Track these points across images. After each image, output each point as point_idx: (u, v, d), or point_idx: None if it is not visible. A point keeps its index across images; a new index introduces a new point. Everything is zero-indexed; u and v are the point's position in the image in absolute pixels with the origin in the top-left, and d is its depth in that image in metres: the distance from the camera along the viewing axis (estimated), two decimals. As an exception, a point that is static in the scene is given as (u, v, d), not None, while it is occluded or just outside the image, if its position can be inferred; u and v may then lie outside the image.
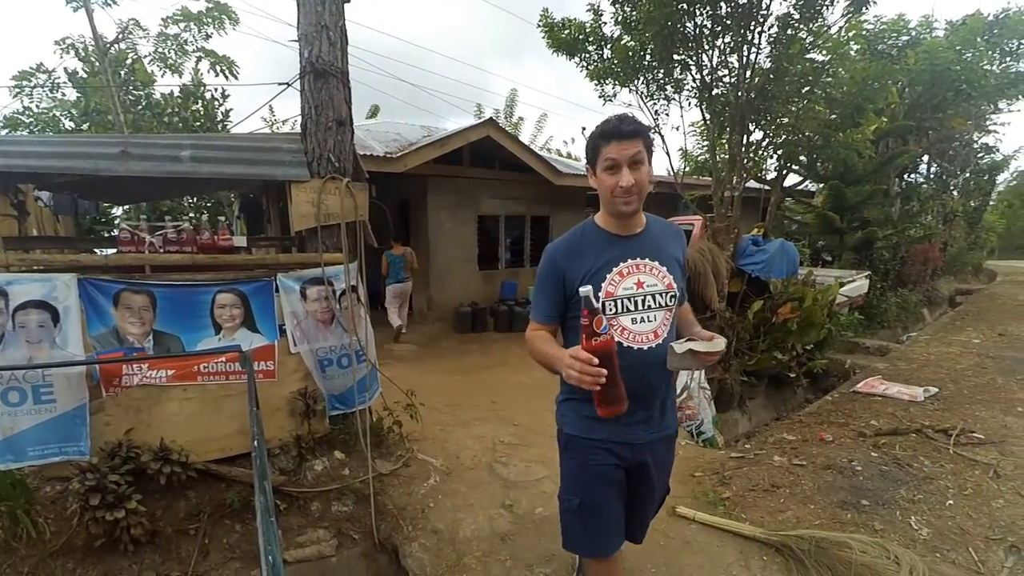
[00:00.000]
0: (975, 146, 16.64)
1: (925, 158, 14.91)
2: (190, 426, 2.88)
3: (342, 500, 3.08)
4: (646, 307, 1.58)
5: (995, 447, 3.90)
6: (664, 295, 1.60)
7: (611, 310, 1.56)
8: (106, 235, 9.30)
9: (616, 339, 1.52)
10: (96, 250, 3.65)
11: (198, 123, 10.81)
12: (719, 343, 1.56)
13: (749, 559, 2.70)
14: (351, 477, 3.20)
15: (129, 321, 2.77)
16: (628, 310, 1.57)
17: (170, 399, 2.86)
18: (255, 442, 1.83)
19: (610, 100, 7.62)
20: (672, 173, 7.81)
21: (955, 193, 17.68)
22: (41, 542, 2.42)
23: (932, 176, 16.19)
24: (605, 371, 1.30)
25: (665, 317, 1.62)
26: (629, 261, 1.59)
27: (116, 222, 10.28)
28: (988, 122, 14.80)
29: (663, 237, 1.67)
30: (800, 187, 11.89)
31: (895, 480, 3.44)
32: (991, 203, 23.36)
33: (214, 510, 2.78)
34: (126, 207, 8.86)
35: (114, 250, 3.09)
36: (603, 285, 1.56)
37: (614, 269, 1.58)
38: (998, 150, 17.94)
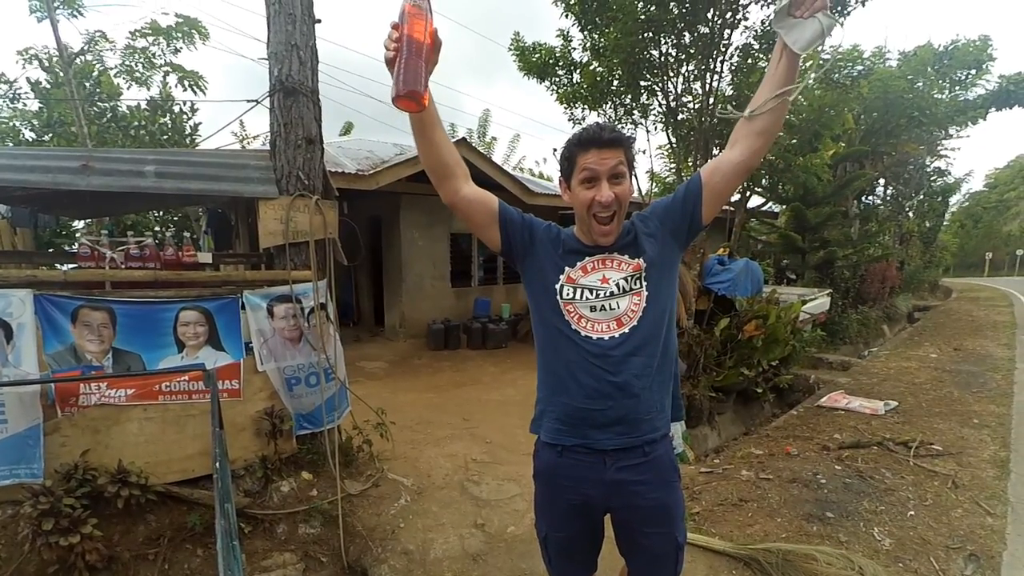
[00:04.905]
0: (928, 170, 17.49)
1: (881, 181, 15.58)
2: (150, 447, 2.79)
3: (309, 522, 3.00)
4: (608, 295, 1.45)
5: (953, 458, 4.03)
6: (630, 279, 1.45)
7: (568, 295, 1.46)
8: (66, 248, 8.99)
9: (574, 327, 1.45)
10: (56, 265, 3.53)
11: (165, 137, 10.61)
12: None
13: (718, 573, 2.73)
14: (319, 498, 3.13)
15: (88, 339, 2.68)
16: (587, 298, 1.45)
17: (129, 419, 2.76)
18: (217, 463, 1.78)
19: (579, 123, 7.79)
20: (641, 194, 7.98)
21: (910, 214, 18.50)
22: (-11, 570, 2.30)
23: (888, 198, 16.92)
24: (397, 34, 1.19)
25: (632, 303, 1.44)
26: (597, 256, 1.48)
27: (77, 236, 9.94)
28: (939, 147, 15.61)
29: (634, 231, 1.51)
30: (764, 208, 12.27)
31: (858, 492, 3.53)
32: (945, 224, 24.50)
33: (175, 534, 2.68)
34: (87, 220, 8.60)
35: (74, 265, 3.00)
36: (566, 270, 1.48)
37: (578, 264, 1.48)
38: (950, 173, 18.96)
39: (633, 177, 1.48)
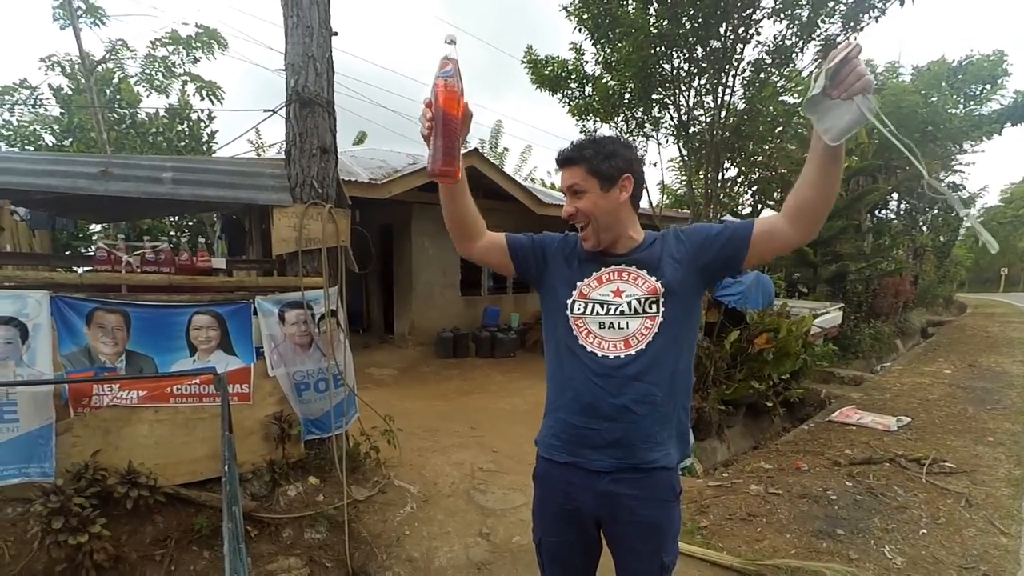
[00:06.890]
0: (942, 184, 17.31)
1: (895, 195, 15.44)
2: (160, 449, 2.82)
3: (315, 527, 3.01)
4: (619, 313, 1.41)
5: (967, 476, 3.97)
6: (643, 300, 1.40)
7: (579, 310, 1.45)
8: (83, 251, 9.15)
9: (580, 342, 1.43)
10: (73, 268, 3.60)
11: (183, 144, 10.80)
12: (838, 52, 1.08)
13: (725, 588, 2.70)
14: (325, 503, 3.14)
15: (102, 340, 2.72)
16: (598, 313, 1.43)
17: (140, 420, 2.79)
18: (225, 466, 1.80)
19: (591, 135, 7.81)
20: (651, 206, 8.00)
21: (924, 229, 18.31)
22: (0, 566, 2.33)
23: (902, 212, 16.77)
24: (431, 113, 1.24)
25: (644, 326, 1.39)
26: (612, 267, 1.47)
27: (94, 239, 10.12)
28: (954, 162, 15.47)
29: (660, 245, 1.48)
30: (775, 221, 12.21)
31: (869, 509, 3.48)
32: (959, 238, 24.16)
33: (182, 536, 2.69)
34: (104, 224, 8.75)
35: (90, 268, 3.05)
36: (579, 285, 1.48)
37: (593, 274, 1.47)
38: (964, 188, 18.72)
39: (623, 188, 1.43)
